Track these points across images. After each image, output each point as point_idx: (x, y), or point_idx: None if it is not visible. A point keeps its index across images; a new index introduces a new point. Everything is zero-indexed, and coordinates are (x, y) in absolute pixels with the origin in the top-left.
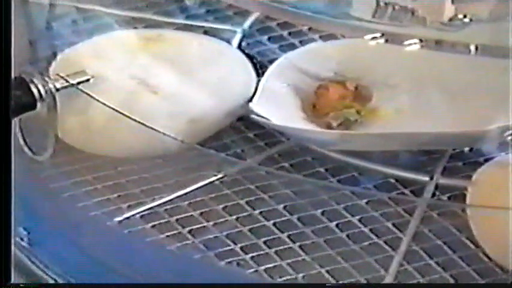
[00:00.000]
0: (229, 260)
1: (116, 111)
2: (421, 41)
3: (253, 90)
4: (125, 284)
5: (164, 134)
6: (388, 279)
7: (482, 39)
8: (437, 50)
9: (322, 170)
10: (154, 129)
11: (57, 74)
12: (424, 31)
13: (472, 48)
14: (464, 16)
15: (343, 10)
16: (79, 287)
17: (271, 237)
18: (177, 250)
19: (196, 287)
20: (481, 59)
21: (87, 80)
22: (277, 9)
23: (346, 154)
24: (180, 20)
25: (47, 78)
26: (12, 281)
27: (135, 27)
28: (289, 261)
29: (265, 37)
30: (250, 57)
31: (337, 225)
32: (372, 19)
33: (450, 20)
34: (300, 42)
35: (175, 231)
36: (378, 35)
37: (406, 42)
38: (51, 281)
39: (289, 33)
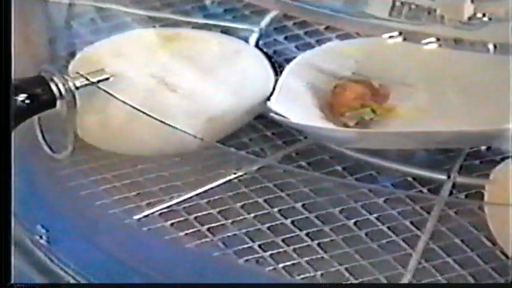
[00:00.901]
0: (247, 257)
1: (135, 109)
2: (438, 39)
3: (271, 88)
4: (133, 284)
5: (183, 131)
6: (407, 277)
7: (501, 38)
8: (455, 49)
9: (339, 168)
10: (174, 127)
11: (77, 73)
12: (442, 29)
13: (491, 47)
14: (484, 15)
15: (360, 9)
16: (80, 287)
17: (290, 235)
18: (196, 248)
19: (211, 287)
20: (500, 57)
21: (107, 79)
22: (294, 7)
23: (363, 152)
24: (198, 19)
25: (66, 77)
26: (33, 280)
27: (153, 26)
28: (307, 259)
29: (282, 36)
30: (267, 56)
31: (355, 223)
32: (389, 17)
33: (469, 19)
34: (317, 41)
35: (194, 229)
36: (395, 33)
37: (424, 41)
38: (71, 280)
39: (306, 33)
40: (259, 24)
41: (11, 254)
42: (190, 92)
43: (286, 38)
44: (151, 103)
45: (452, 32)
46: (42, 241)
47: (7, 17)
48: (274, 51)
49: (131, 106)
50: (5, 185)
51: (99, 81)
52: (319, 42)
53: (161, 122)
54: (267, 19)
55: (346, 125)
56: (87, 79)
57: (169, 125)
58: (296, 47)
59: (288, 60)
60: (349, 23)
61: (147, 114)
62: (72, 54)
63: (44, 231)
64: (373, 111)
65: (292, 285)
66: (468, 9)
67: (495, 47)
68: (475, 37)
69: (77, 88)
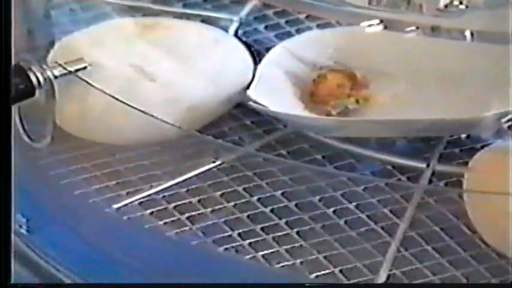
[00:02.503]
0: (227, 246)
1: (114, 98)
2: (417, 28)
3: (250, 77)
4: (133, 284)
5: (162, 120)
6: (386, 265)
7: (478, 25)
8: (433, 37)
9: (319, 157)
10: (152, 116)
11: (56, 62)
12: (420, 18)
13: (468, 34)
14: (460, 2)
15: None
16: (80, 287)
17: (269, 223)
18: (175, 236)
19: (211, 287)
20: (477, 45)
21: (85, 68)
22: None
23: (343, 141)
24: (178, 9)
25: (45, 66)
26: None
27: (133, 16)
28: (287, 247)
29: (262, 25)
30: (247, 45)
31: (334, 212)
32: (368, 5)
33: (446, 6)
34: (297, 30)
35: (173, 218)
36: (374, 21)
37: (403, 29)
38: (51, 269)
39: (286, 22)
40: (239, 13)
41: (11, 254)
42: (169, 81)
43: (266, 27)
44: (130, 92)
45: (430, 20)
46: (22, 230)
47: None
48: (254, 41)
49: (110, 95)
50: (5, 187)
51: (77, 70)
52: (299, 31)
53: (140, 111)
54: (246, 8)
55: (329, 114)
56: (65, 68)
57: (148, 114)
58: (276, 36)
59: (268, 49)
60: (328, 11)
61: (126, 104)
62: (51, 44)
63: (24, 220)
64: (357, 101)
65: (291, 285)
66: None
67: (472, 34)
68: (452, 25)
69: (56, 77)
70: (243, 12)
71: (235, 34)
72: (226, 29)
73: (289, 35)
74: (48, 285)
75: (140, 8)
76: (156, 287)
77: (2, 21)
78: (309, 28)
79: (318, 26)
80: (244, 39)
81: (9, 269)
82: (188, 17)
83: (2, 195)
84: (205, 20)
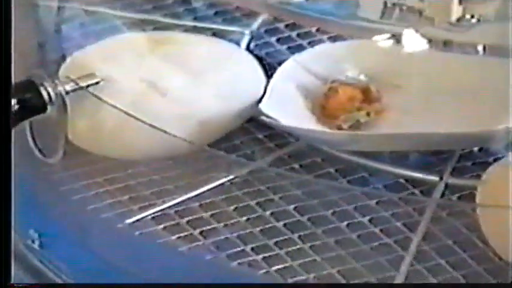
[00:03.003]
0: (240, 260)
1: (126, 113)
2: (430, 41)
3: (262, 91)
4: (127, 284)
5: (174, 136)
6: (399, 279)
7: (490, 39)
8: (445, 50)
9: (332, 170)
10: (164, 131)
11: (67, 77)
12: (432, 31)
13: (480, 48)
14: (472, 16)
15: (351, 11)
16: (79, 287)
17: (282, 238)
18: (188, 251)
19: (211, 287)
20: (489, 59)
21: (97, 83)
22: (284, 10)
23: (356, 154)
24: (189, 22)
25: (56, 81)
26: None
27: (144, 30)
28: (300, 261)
29: (274, 38)
30: (259, 59)
31: (347, 226)
32: (380, 20)
33: (458, 20)
34: (309, 43)
35: (186, 233)
36: (386, 36)
37: (415, 43)
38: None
39: (298, 35)
40: (251, 26)
41: (11, 254)
42: (180, 96)
43: (278, 40)
44: (142, 107)
45: (442, 34)
46: (34, 245)
47: (7, 23)
48: (266, 54)
49: (121, 110)
50: (5, 185)
51: (88, 86)
52: (311, 44)
53: (151, 126)
54: (258, 21)
55: (340, 128)
56: (77, 84)
57: (159, 129)
58: (288, 49)
59: (280, 63)
60: (339, 26)
61: (138, 119)
62: (63, 58)
63: (36, 235)
64: (368, 114)
65: (290, 285)
66: (456, 11)
67: (484, 48)
68: (464, 38)
69: (67, 93)
70: (255, 25)
71: (247, 47)
72: (238, 42)
73: (301, 47)
74: (48, 285)
75: (151, 22)
76: (156, 287)
77: (2, 41)
78: (321, 41)
79: (330, 39)
80: (256, 52)
81: (9, 269)
82: (199, 30)
83: (2, 194)
84: (216, 33)
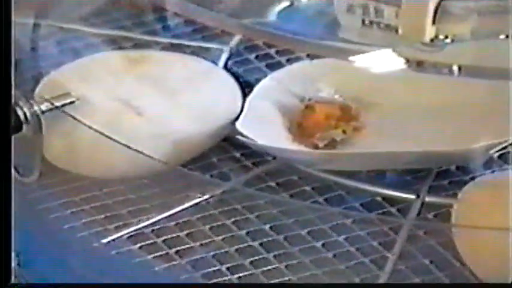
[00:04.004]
0: (216, 280)
1: (101, 133)
2: (407, 60)
3: (239, 110)
4: (133, 284)
5: (148, 156)
6: None
7: (464, 59)
8: (420, 71)
9: (309, 188)
10: (139, 151)
11: (42, 97)
12: (407, 51)
13: (455, 68)
14: (446, 37)
15: (325, 31)
16: (79, 287)
17: (258, 257)
18: (164, 271)
19: (211, 287)
20: (464, 78)
21: (72, 102)
22: (259, 32)
23: (332, 173)
24: (167, 39)
25: (32, 101)
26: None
27: (122, 47)
28: (276, 281)
29: (253, 55)
30: (236, 77)
31: (323, 245)
32: (358, 39)
33: (431, 40)
34: (287, 60)
35: (162, 252)
36: (363, 55)
37: (391, 62)
38: None
39: (277, 52)
40: (229, 43)
41: (11, 254)
42: (155, 115)
43: (256, 57)
44: (117, 126)
45: (416, 54)
46: (13, 264)
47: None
48: (245, 71)
49: (96, 130)
50: (5, 183)
51: (64, 105)
52: (290, 61)
53: (126, 146)
54: (236, 38)
55: (316, 146)
56: (52, 103)
57: (134, 149)
58: (266, 66)
59: (259, 80)
60: (315, 47)
61: (112, 139)
62: (39, 76)
63: (13, 254)
64: (344, 132)
65: (288, 285)
66: (430, 31)
67: (459, 68)
68: (438, 58)
69: (43, 112)
70: (233, 42)
71: (225, 65)
72: (216, 60)
73: (279, 65)
74: (48, 285)
75: (128, 39)
76: (156, 287)
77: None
78: (299, 58)
79: (308, 56)
80: (234, 69)
81: (9, 269)
82: (178, 47)
83: (2, 193)
84: (195, 51)
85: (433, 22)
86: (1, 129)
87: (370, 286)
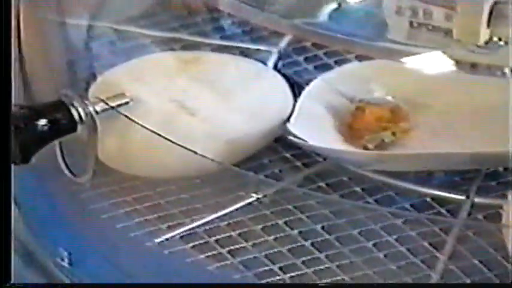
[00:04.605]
0: (268, 280)
1: (155, 133)
2: (457, 62)
3: (290, 111)
4: (133, 284)
5: (202, 155)
6: None
7: None
8: (472, 73)
9: (358, 189)
10: (192, 151)
11: (97, 97)
12: (459, 53)
13: (507, 70)
14: (499, 39)
15: (376, 31)
16: (79, 287)
17: (310, 257)
18: (217, 270)
19: (200, 287)
20: None
21: (127, 103)
22: (310, 31)
23: (382, 174)
24: (217, 41)
25: (86, 102)
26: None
27: (172, 48)
28: (327, 280)
29: (301, 57)
30: (286, 78)
31: (374, 245)
32: (407, 41)
33: (486, 43)
34: (335, 62)
35: (214, 252)
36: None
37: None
38: None
39: (325, 53)
40: (278, 45)
41: (11, 254)
42: (208, 116)
43: (305, 59)
44: (171, 127)
45: (469, 56)
46: (64, 263)
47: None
48: (294, 72)
49: (150, 130)
50: (5, 183)
51: (118, 106)
52: (338, 63)
53: (180, 145)
54: (285, 40)
55: (366, 147)
56: (107, 104)
57: (188, 149)
58: (315, 67)
59: (308, 82)
60: (365, 47)
61: (166, 138)
62: (92, 77)
63: (65, 253)
64: (393, 133)
65: (292, 285)
66: (484, 34)
67: (511, 70)
68: (491, 61)
69: (97, 113)
70: (282, 44)
71: (275, 66)
72: (265, 61)
73: (328, 66)
74: (48, 285)
75: (178, 40)
76: (157, 287)
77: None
78: (348, 60)
79: (357, 58)
80: (283, 71)
81: (9, 269)
82: (227, 48)
83: (2, 191)
84: (244, 52)
85: (488, 25)
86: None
87: (422, 286)
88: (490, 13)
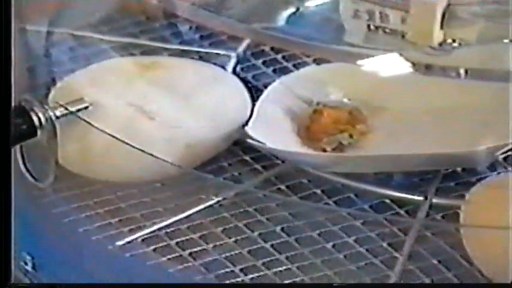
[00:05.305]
0: (229, 281)
1: (114, 137)
2: (413, 64)
3: (248, 114)
4: (133, 284)
5: (161, 159)
6: None
7: (471, 62)
8: (427, 74)
9: (318, 191)
10: (152, 155)
11: (57, 102)
12: (415, 55)
13: (462, 71)
14: (453, 41)
15: (334, 35)
16: (78, 287)
17: (270, 258)
18: (178, 273)
19: (212, 287)
20: (470, 81)
21: (86, 108)
22: (268, 35)
23: (341, 176)
24: (175, 46)
25: (46, 106)
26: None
27: (131, 53)
28: (288, 281)
29: (260, 61)
30: (245, 82)
31: (333, 246)
32: (364, 44)
33: (440, 44)
34: (294, 65)
35: (176, 254)
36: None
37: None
38: None
39: (283, 57)
40: (237, 49)
41: (11, 254)
42: (168, 120)
43: (264, 62)
44: (130, 131)
45: (424, 58)
46: (27, 267)
47: (7, 46)
48: (253, 76)
49: (110, 135)
50: (6, 184)
51: (78, 110)
52: (297, 66)
53: (139, 149)
54: (244, 44)
55: (324, 150)
56: (67, 109)
57: (147, 153)
58: (274, 71)
59: (266, 85)
60: (323, 50)
61: (126, 142)
62: (52, 82)
63: (29, 257)
64: (351, 136)
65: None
66: (438, 35)
67: (466, 71)
68: (445, 62)
69: (57, 117)
70: (240, 48)
71: (233, 70)
72: (224, 65)
73: (286, 70)
74: (48, 285)
75: (138, 45)
76: (157, 287)
77: (2, 61)
78: (306, 63)
79: (315, 61)
80: (242, 75)
81: (9, 269)
82: (186, 53)
83: (2, 190)
84: (203, 57)
85: (441, 26)
86: (1, 132)
87: (381, 286)
88: (443, 15)
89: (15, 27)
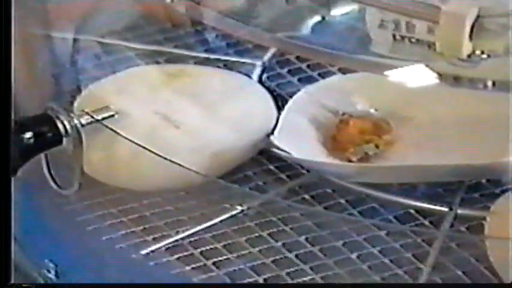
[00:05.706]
0: None
1: (140, 145)
2: (439, 75)
3: (273, 123)
4: (133, 284)
5: (186, 168)
6: None
7: (499, 74)
8: (455, 86)
9: (342, 201)
10: (177, 163)
11: (82, 110)
12: (442, 66)
13: (489, 83)
14: (482, 52)
15: (358, 45)
16: (79, 287)
17: (294, 268)
18: (202, 282)
19: (212, 287)
20: (497, 93)
21: (112, 116)
22: (293, 44)
23: (366, 186)
24: (201, 54)
25: (72, 114)
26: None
27: (156, 61)
28: None
29: (285, 70)
30: (270, 91)
31: (358, 256)
32: (390, 54)
33: (468, 56)
34: (319, 74)
35: (199, 264)
36: (396, 69)
37: (425, 77)
38: None
39: (308, 66)
40: (262, 58)
41: (11, 254)
42: (193, 128)
43: (289, 71)
44: (155, 139)
45: (452, 69)
46: (50, 275)
47: (7, 62)
48: (278, 85)
49: (135, 143)
50: (6, 184)
51: (104, 119)
52: (322, 75)
53: (164, 158)
54: (269, 53)
55: (349, 160)
56: (92, 117)
57: (173, 161)
58: (299, 80)
59: (292, 94)
60: (348, 60)
61: (151, 151)
62: (77, 90)
63: (52, 265)
64: (377, 146)
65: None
66: (467, 47)
67: (493, 83)
68: (473, 74)
69: (83, 125)
70: (266, 57)
71: (259, 79)
72: (249, 74)
73: (311, 79)
74: (48, 285)
75: (163, 53)
76: (157, 287)
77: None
78: (331, 72)
79: (340, 70)
80: (267, 84)
81: (9, 269)
82: (211, 61)
83: (3, 195)
84: (228, 65)
85: (470, 38)
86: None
87: (387, 286)
88: (472, 26)
89: (14, 40)
